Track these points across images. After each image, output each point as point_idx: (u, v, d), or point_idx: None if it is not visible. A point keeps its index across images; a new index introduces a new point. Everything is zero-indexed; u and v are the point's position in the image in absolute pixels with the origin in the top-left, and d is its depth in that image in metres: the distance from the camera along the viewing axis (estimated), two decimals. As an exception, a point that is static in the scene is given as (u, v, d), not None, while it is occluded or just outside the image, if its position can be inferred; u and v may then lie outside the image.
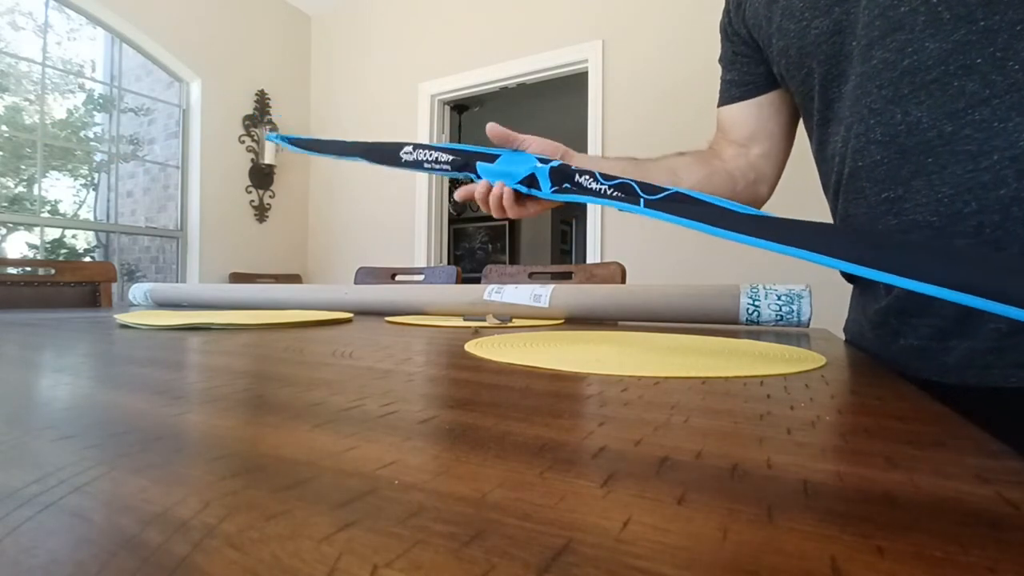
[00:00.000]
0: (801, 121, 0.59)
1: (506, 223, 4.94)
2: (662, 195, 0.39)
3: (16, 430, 0.18)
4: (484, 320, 0.66)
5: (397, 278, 1.41)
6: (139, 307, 1.06)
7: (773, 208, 0.64)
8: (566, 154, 0.56)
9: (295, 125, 3.25)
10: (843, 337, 0.56)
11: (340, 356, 0.36)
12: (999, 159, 0.37)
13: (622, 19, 2.35)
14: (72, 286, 1.31)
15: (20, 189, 2.81)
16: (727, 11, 0.60)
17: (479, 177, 0.53)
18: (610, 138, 2.35)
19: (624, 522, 0.11)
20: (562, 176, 0.48)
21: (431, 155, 0.54)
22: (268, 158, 3.04)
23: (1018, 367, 0.38)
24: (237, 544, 0.10)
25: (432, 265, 2.86)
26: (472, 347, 0.41)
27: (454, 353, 0.39)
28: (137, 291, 1.13)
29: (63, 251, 3.08)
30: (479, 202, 0.54)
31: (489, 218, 5.01)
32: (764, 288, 0.64)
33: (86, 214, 3.28)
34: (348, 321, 0.69)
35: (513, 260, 4.95)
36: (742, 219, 0.33)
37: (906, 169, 0.41)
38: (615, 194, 0.43)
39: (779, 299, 0.63)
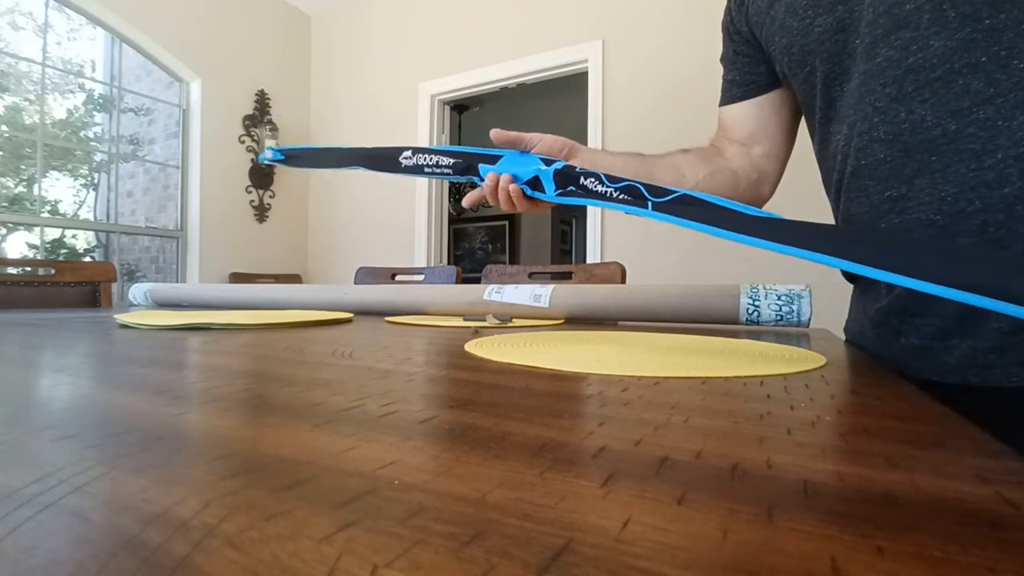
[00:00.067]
0: (802, 120, 0.58)
1: (506, 223, 4.94)
2: (670, 197, 0.39)
3: (16, 430, 0.18)
4: (484, 320, 0.66)
5: (397, 278, 1.41)
6: (139, 307, 1.06)
7: (774, 207, 0.64)
8: (572, 148, 0.55)
9: (295, 125, 3.25)
10: (843, 337, 0.56)
11: (340, 356, 0.36)
12: (1003, 157, 0.36)
13: (622, 19, 2.35)
14: (72, 286, 1.31)
15: (20, 189, 2.81)
16: (729, 9, 0.60)
17: (482, 180, 0.53)
18: (610, 138, 2.35)
19: (624, 522, 0.11)
20: (567, 179, 0.47)
21: (431, 159, 0.54)
22: (268, 158, 3.04)
23: (1020, 366, 0.38)
24: (237, 544, 0.10)
25: (432, 265, 2.86)
26: (472, 347, 0.41)
27: (454, 353, 0.39)
28: (137, 291, 1.13)
29: (63, 251, 3.08)
30: (488, 197, 0.54)
31: (489, 218, 5.01)
32: (764, 288, 0.64)
33: (86, 214, 3.28)
34: (348, 321, 0.69)
35: (513, 260, 4.95)
36: (750, 221, 0.33)
37: (909, 167, 0.41)
38: (621, 197, 0.42)
39: (779, 299, 0.63)
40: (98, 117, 3.17)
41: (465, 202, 0.56)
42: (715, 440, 0.17)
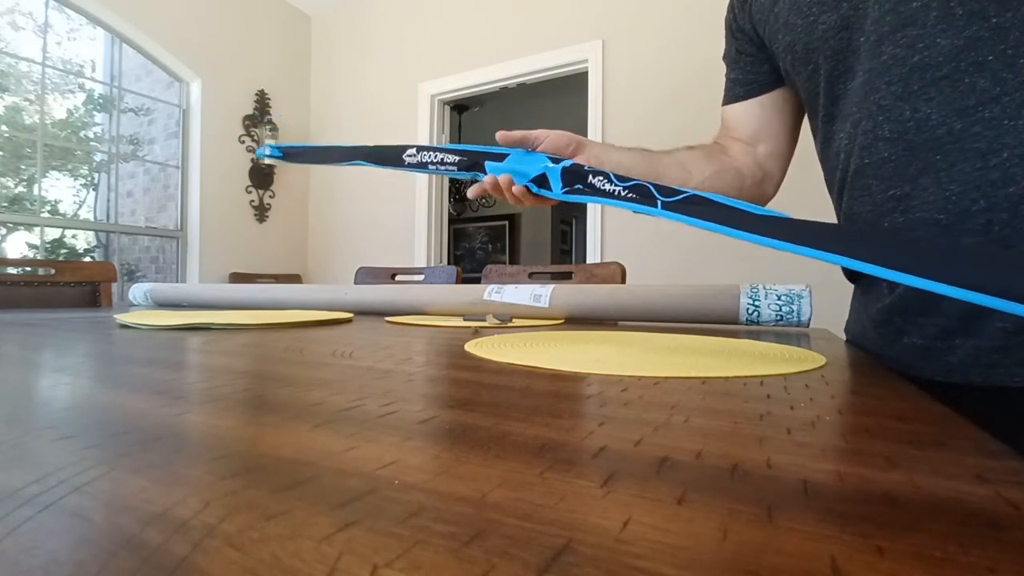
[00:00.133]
0: (805, 118, 0.58)
1: (506, 223, 4.94)
2: (679, 197, 0.39)
3: (16, 430, 0.18)
4: (484, 320, 0.66)
5: (397, 278, 1.41)
6: (139, 307, 1.06)
7: (776, 206, 0.64)
8: (579, 144, 0.55)
9: (295, 125, 3.25)
10: (843, 337, 0.56)
11: (340, 356, 0.36)
12: (1009, 156, 0.36)
13: (622, 19, 2.35)
14: (72, 286, 1.31)
15: (20, 189, 2.81)
16: (732, 7, 0.59)
17: (486, 175, 0.53)
18: (610, 138, 2.35)
19: (624, 522, 0.11)
20: (574, 177, 0.47)
21: (436, 156, 0.53)
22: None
23: None
24: (237, 544, 0.10)
25: (432, 265, 2.86)
26: (472, 347, 0.40)
27: (454, 353, 0.39)
28: (137, 291, 1.13)
29: (63, 251, 3.08)
30: (491, 191, 0.53)
31: (489, 218, 5.01)
32: (764, 288, 0.64)
33: (86, 214, 3.28)
34: (348, 321, 0.69)
35: (513, 260, 4.95)
36: (758, 220, 0.33)
37: (914, 166, 0.41)
38: (629, 195, 0.42)
39: (779, 299, 0.63)
40: (98, 117, 3.17)
41: (470, 193, 0.56)
42: (715, 440, 0.17)
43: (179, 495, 0.12)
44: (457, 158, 0.53)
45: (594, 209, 2.37)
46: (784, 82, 0.57)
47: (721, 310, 0.65)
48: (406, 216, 2.95)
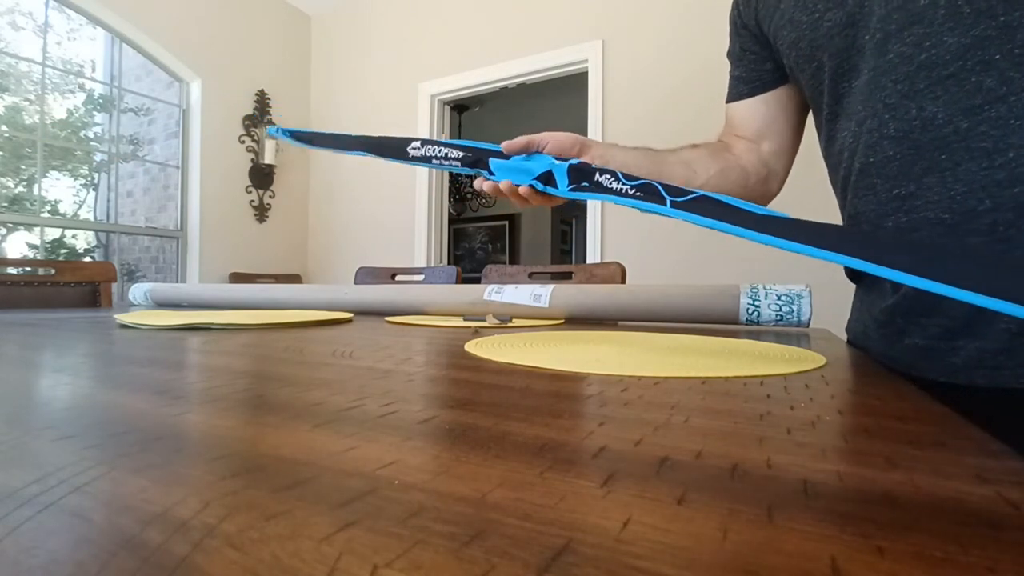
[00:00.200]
0: (810, 116, 0.58)
1: (506, 223, 4.94)
2: (688, 197, 0.38)
3: (16, 430, 0.18)
4: (484, 320, 0.66)
5: (397, 278, 1.41)
6: (139, 307, 1.06)
7: (780, 203, 0.64)
8: (584, 145, 0.55)
9: (295, 125, 3.24)
10: (842, 337, 0.56)
11: (340, 356, 0.36)
12: (1015, 156, 0.36)
13: (622, 19, 2.35)
14: (72, 286, 1.31)
15: (20, 189, 2.81)
16: (737, 3, 0.59)
17: (492, 173, 0.52)
18: (610, 138, 2.35)
19: (624, 522, 0.11)
20: (581, 174, 0.46)
21: (440, 151, 0.52)
22: (268, 158, 3.05)
23: None
24: (237, 544, 0.10)
25: (432, 265, 2.86)
26: (472, 347, 0.40)
27: (454, 353, 0.39)
28: (137, 291, 1.13)
29: (63, 251, 3.08)
30: (492, 194, 0.53)
31: (489, 218, 5.01)
32: (764, 288, 0.64)
33: (86, 214, 3.28)
34: (348, 321, 0.69)
35: (513, 260, 4.95)
36: (768, 221, 0.33)
37: (919, 165, 0.41)
38: (637, 194, 0.41)
39: (779, 299, 0.63)
40: (98, 117, 3.17)
41: (477, 183, 0.55)
42: (715, 440, 0.17)
43: (179, 495, 0.12)
44: (461, 154, 0.52)
45: (594, 209, 2.37)
46: (788, 79, 0.57)
47: (721, 310, 0.65)
48: (406, 216, 2.95)
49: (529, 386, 0.26)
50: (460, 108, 4.31)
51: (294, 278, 3.21)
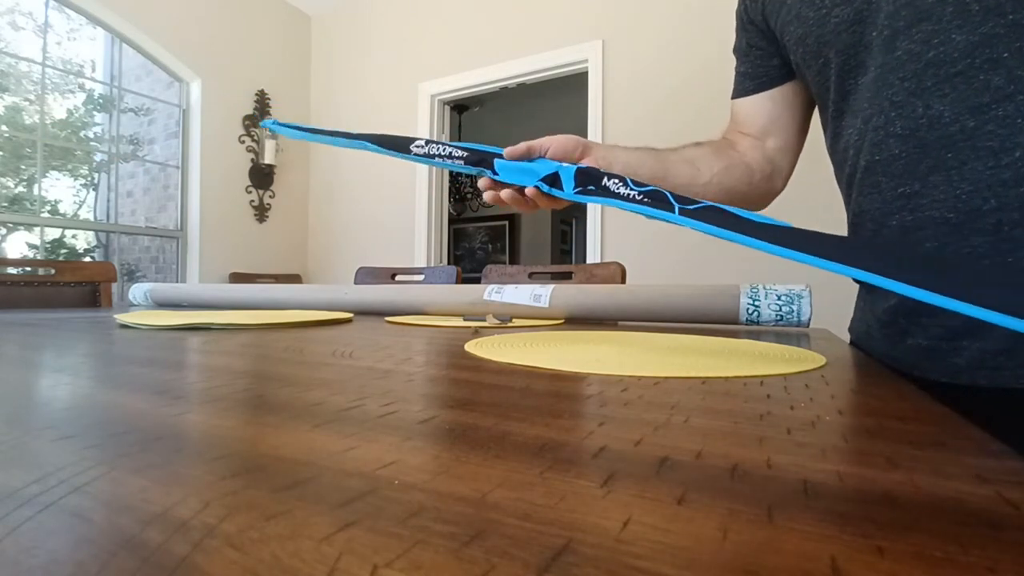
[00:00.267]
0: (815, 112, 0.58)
1: (506, 223, 4.94)
2: (697, 206, 0.38)
3: (16, 430, 0.18)
4: (484, 320, 0.66)
5: (397, 278, 1.41)
6: (139, 307, 1.06)
7: (784, 200, 0.64)
8: (586, 147, 0.55)
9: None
10: (844, 337, 0.56)
11: (340, 356, 0.36)
12: (1021, 156, 0.36)
13: (622, 19, 2.35)
14: (72, 286, 1.31)
15: (20, 189, 2.81)
16: None
17: (496, 173, 0.52)
18: (610, 138, 2.35)
19: (624, 522, 0.11)
20: (588, 178, 0.46)
21: (444, 150, 0.52)
22: (268, 158, 3.05)
23: None
24: (237, 544, 0.10)
25: (432, 265, 2.86)
26: (472, 347, 0.40)
27: (454, 353, 0.39)
28: (137, 291, 1.13)
29: (63, 251, 3.08)
30: (494, 203, 0.53)
31: (489, 218, 5.01)
32: (764, 288, 0.64)
33: (86, 214, 3.28)
34: (348, 321, 0.69)
35: (513, 260, 4.95)
36: (779, 232, 0.33)
37: (925, 164, 0.40)
38: (645, 200, 0.41)
39: (779, 299, 0.63)
40: (98, 117, 3.17)
41: (481, 183, 0.55)
42: (715, 440, 0.17)
43: (179, 495, 0.12)
44: (465, 153, 0.52)
45: (594, 209, 2.36)
46: (795, 75, 0.56)
47: (721, 310, 0.65)
48: (406, 216, 2.95)
49: (529, 386, 0.26)
50: (460, 108, 4.31)
51: (294, 278, 3.21)
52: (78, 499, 0.12)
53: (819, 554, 0.10)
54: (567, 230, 5.20)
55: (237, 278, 2.88)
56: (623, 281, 1.11)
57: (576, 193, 0.47)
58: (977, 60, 0.37)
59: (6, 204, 2.72)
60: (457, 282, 1.30)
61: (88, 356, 0.36)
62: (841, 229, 0.52)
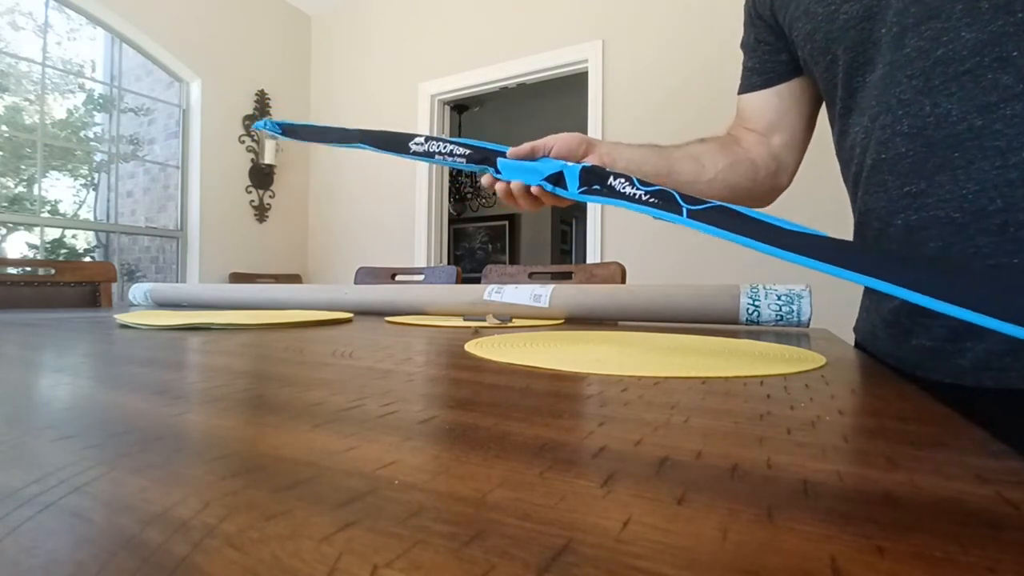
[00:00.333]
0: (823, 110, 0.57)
1: (506, 223, 4.94)
2: (705, 206, 0.37)
3: (16, 430, 0.18)
4: (484, 320, 0.66)
5: (397, 278, 1.41)
6: (139, 307, 1.06)
7: (789, 196, 0.64)
8: (590, 145, 0.54)
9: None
10: (844, 337, 0.56)
11: (340, 356, 0.36)
12: None
13: (622, 19, 2.35)
14: (72, 286, 1.31)
15: (20, 189, 2.82)
16: None
17: (497, 172, 0.51)
18: (610, 138, 2.35)
19: (624, 522, 0.11)
20: (593, 177, 0.45)
21: (444, 147, 0.51)
22: (268, 158, 3.05)
23: None
24: (237, 544, 0.10)
25: (432, 265, 2.86)
26: (472, 347, 0.40)
27: (454, 353, 0.39)
28: (137, 291, 1.13)
29: (63, 251, 3.08)
30: (503, 199, 0.52)
31: (489, 218, 5.01)
32: (764, 288, 0.64)
33: (86, 214, 3.28)
34: (348, 321, 0.69)
35: (513, 260, 4.95)
36: (788, 236, 0.32)
37: (931, 163, 0.40)
38: (652, 200, 0.40)
39: (779, 299, 0.63)
40: (98, 117, 3.17)
41: (484, 181, 0.54)
42: (715, 440, 0.17)
43: (179, 495, 0.12)
44: (467, 151, 0.51)
45: (594, 209, 2.36)
46: (802, 72, 0.56)
47: (721, 310, 0.65)
48: (406, 216, 2.95)
49: (529, 386, 0.26)
50: (460, 108, 4.31)
51: (294, 278, 3.21)
52: (78, 499, 0.12)
53: (819, 554, 0.10)
54: (567, 230, 5.20)
55: (237, 278, 2.88)
56: (623, 281, 1.11)
57: (581, 192, 0.46)
58: (986, 58, 0.37)
59: (6, 204, 2.72)
60: (457, 282, 1.30)
61: (88, 356, 0.36)
62: (847, 228, 0.52)
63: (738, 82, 0.62)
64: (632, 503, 0.12)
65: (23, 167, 2.77)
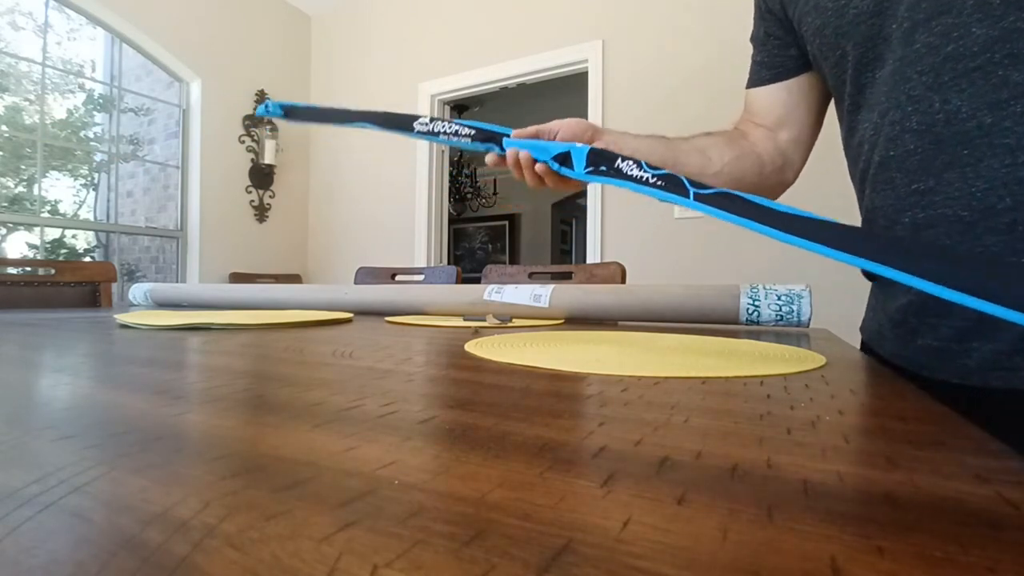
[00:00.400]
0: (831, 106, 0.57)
1: (506, 223, 4.94)
2: (711, 191, 0.37)
3: (16, 430, 0.18)
4: (484, 320, 0.66)
5: (397, 278, 1.41)
6: (139, 307, 1.06)
7: (794, 193, 0.64)
8: (596, 132, 0.54)
9: (295, 125, 3.25)
10: (843, 337, 0.56)
11: (340, 356, 0.36)
12: None
13: (622, 19, 2.35)
14: (72, 286, 1.31)
15: (20, 189, 2.81)
16: None
17: (503, 151, 0.51)
18: (610, 138, 2.35)
19: (624, 522, 0.11)
20: (600, 158, 0.45)
21: (449, 127, 0.51)
22: (268, 158, 3.05)
23: None
24: (237, 544, 0.10)
25: (432, 265, 2.86)
26: (472, 347, 0.40)
27: (454, 353, 0.39)
28: (137, 291, 1.13)
29: (63, 251, 3.08)
30: (512, 169, 0.51)
31: (489, 218, 5.01)
32: (764, 288, 0.64)
33: (86, 214, 3.28)
34: (348, 321, 0.69)
35: (513, 260, 4.95)
36: (793, 220, 0.32)
37: (940, 160, 0.40)
38: (659, 183, 0.40)
39: (779, 299, 0.63)
40: (98, 117, 3.17)
41: (488, 160, 0.54)
42: (715, 440, 0.17)
43: (179, 495, 0.12)
44: (472, 131, 0.51)
45: (594, 209, 2.37)
46: (812, 67, 0.56)
47: (721, 310, 0.65)
48: (406, 216, 2.95)
49: (529, 386, 0.26)
50: (460, 108, 4.31)
51: (294, 278, 3.21)
52: (78, 499, 0.12)
53: (819, 554, 0.10)
54: (567, 230, 5.20)
55: (237, 278, 2.88)
56: (623, 281, 1.11)
57: (587, 173, 0.46)
58: (996, 55, 0.36)
59: (6, 204, 2.72)
60: (457, 282, 1.30)
61: (88, 356, 0.36)
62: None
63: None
64: (632, 503, 0.12)
65: (23, 167, 2.77)
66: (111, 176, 3.21)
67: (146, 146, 3.11)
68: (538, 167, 0.49)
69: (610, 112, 2.37)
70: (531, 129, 0.51)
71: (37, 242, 2.61)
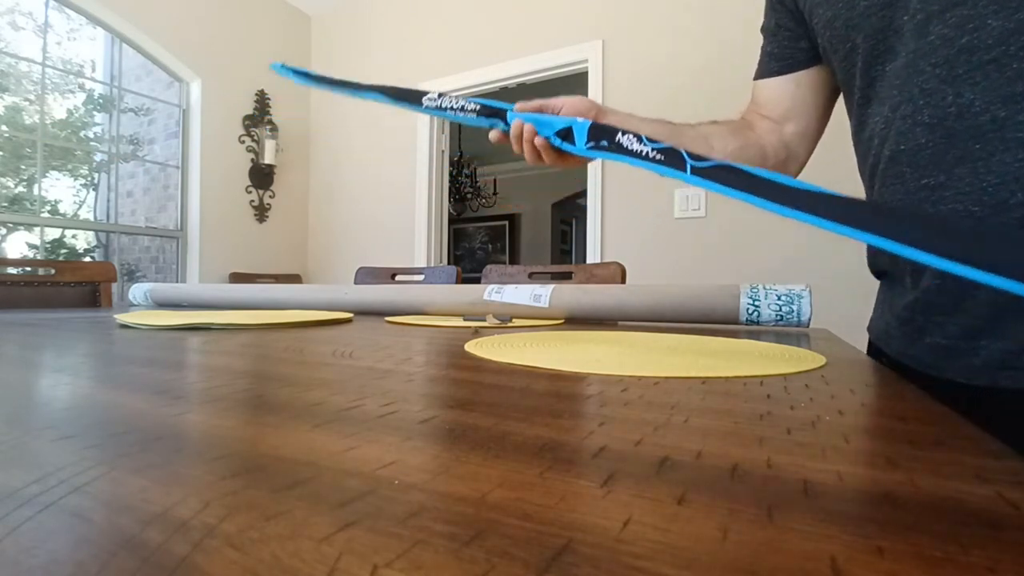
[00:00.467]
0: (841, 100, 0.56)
1: (506, 223, 4.94)
2: (710, 164, 0.36)
3: (16, 430, 0.18)
4: (484, 320, 0.66)
5: (397, 278, 1.41)
6: (139, 307, 1.06)
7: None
8: (600, 111, 0.54)
9: (295, 124, 3.25)
10: (843, 337, 0.56)
11: (340, 356, 0.36)
12: None
13: (622, 19, 2.35)
14: (72, 286, 1.31)
15: (20, 189, 2.81)
16: None
17: (508, 126, 0.51)
18: (610, 138, 2.35)
19: (624, 522, 0.11)
20: (602, 133, 0.45)
21: (456, 103, 0.51)
22: (268, 158, 3.04)
23: None
24: (237, 544, 0.10)
25: (432, 265, 2.86)
26: (472, 347, 0.40)
27: (454, 353, 0.39)
28: (137, 291, 1.13)
29: (63, 251, 3.08)
30: (513, 144, 0.51)
31: (489, 218, 5.01)
32: (764, 288, 0.64)
33: (86, 214, 3.28)
34: (348, 321, 0.69)
35: (513, 260, 4.95)
36: (791, 192, 0.31)
37: (951, 155, 0.39)
38: (658, 157, 0.39)
39: (779, 299, 0.63)
40: (98, 117, 3.17)
41: (492, 136, 0.54)
42: (715, 440, 0.17)
43: (179, 495, 0.12)
44: (477, 107, 0.51)
45: (594, 209, 2.36)
46: (821, 60, 0.55)
47: (721, 310, 0.65)
48: (406, 216, 2.95)
49: (529, 386, 0.26)
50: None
51: (294, 278, 3.21)
52: (78, 499, 0.12)
53: (819, 554, 0.10)
54: (567, 230, 5.20)
55: (237, 278, 2.88)
56: (623, 281, 1.11)
57: (588, 148, 0.45)
58: (1012, 47, 0.36)
59: (6, 204, 2.72)
60: (457, 282, 1.30)
61: (88, 356, 0.36)
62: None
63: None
64: (632, 503, 0.12)
65: (23, 167, 2.77)
66: (111, 176, 3.21)
67: (146, 146, 3.11)
68: (538, 141, 0.49)
69: (610, 112, 2.37)
70: (536, 103, 0.51)
71: (37, 242, 2.61)
